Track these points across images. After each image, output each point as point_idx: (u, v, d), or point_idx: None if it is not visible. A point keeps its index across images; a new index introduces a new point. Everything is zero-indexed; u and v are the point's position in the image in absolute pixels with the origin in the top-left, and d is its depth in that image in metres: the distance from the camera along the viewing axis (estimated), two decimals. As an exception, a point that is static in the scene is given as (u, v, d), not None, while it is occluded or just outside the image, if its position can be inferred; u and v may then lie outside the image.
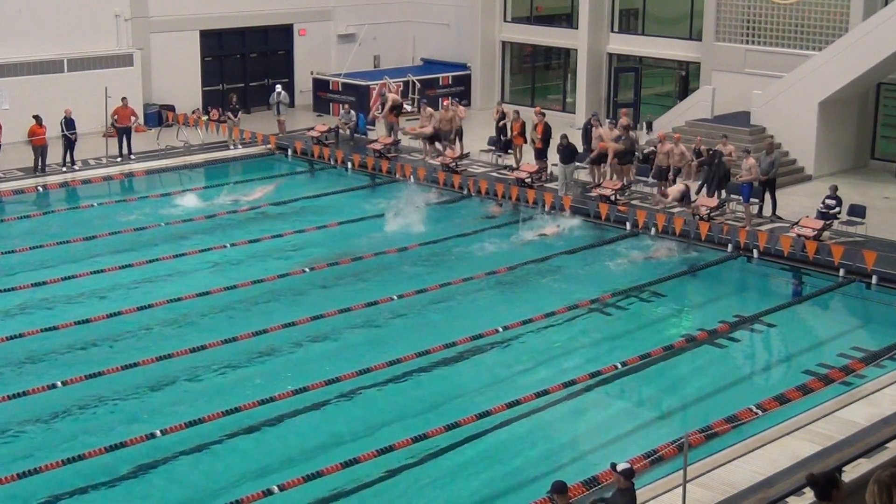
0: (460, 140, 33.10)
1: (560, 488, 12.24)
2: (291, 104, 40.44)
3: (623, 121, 31.02)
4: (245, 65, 40.87)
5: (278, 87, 36.74)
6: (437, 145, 33.24)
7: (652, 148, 30.32)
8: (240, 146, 34.99)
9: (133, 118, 33.31)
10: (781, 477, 14.63)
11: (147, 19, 37.44)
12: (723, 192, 27.52)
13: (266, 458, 16.30)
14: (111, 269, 24.12)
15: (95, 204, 29.59)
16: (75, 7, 35.59)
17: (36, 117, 31.28)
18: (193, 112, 37.41)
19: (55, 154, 31.94)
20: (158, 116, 37.22)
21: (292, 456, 16.32)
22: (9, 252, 25.27)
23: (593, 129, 30.55)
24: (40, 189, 30.77)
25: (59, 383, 18.21)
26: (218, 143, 35.15)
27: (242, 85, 40.35)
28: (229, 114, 35.91)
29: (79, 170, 32.13)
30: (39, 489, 15.22)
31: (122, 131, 33.05)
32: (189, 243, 26.22)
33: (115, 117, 32.92)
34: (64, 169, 32.01)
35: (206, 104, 38.69)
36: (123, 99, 32.95)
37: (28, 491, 15.15)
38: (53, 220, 28.32)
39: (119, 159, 32.85)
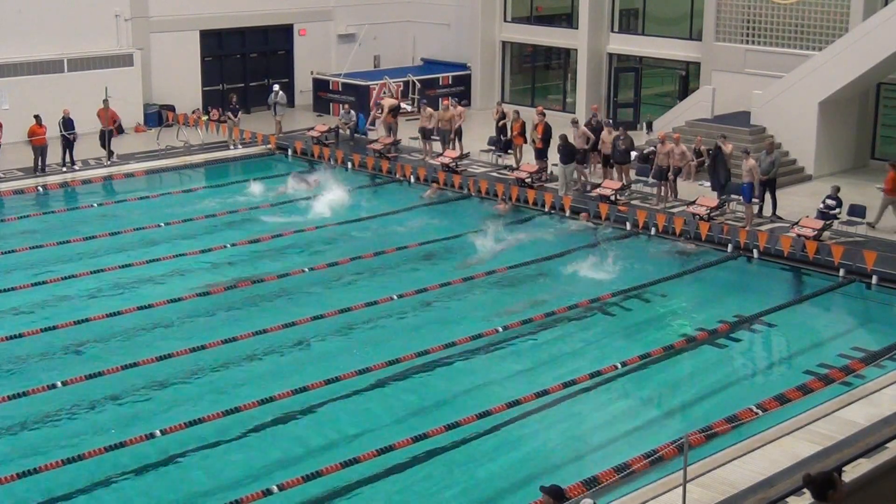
0: (459, 140, 33.10)
1: (556, 493, 11.88)
2: (291, 104, 40.52)
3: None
4: (245, 65, 40.89)
5: (276, 87, 36.71)
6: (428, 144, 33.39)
7: (652, 148, 30.33)
8: (240, 146, 35.00)
9: (115, 120, 33.05)
10: (781, 477, 14.62)
11: (147, 19, 37.45)
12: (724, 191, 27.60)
13: (265, 457, 16.30)
14: (111, 268, 24.13)
15: (95, 204, 29.62)
16: (75, 7, 35.61)
17: (36, 117, 31.28)
18: (193, 112, 37.43)
19: (55, 154, 31.96)
20: (158, 116, 37.21)
21: (292, 456, 16.31)
22: (9, 252, 25.27)
23: (575, 128, 30.56)
24: (40, 189, 30.77)
25: (58, 383, 18.20)
26: (218, 144, 35.16)
27: (242, 85, 40.37)
28: (229, 114, 35.93)
29: (79, 170, 32.14)
30: (39, 489, 15.21)
31: (103, 133, 32.75)
32: (189, 243, 26.21)
33: (99, 118, 32.65)
34: (64, 169, 32.02)
35: (206, 104, 38.71)
36: (105, 101, 32.71)
37: (28, 491, 15.14)
38: (53, 220, 28.31)
39: (108, 162, 32.77)
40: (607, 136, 30.01)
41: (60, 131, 31.99)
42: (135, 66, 36.91)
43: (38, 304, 22.25)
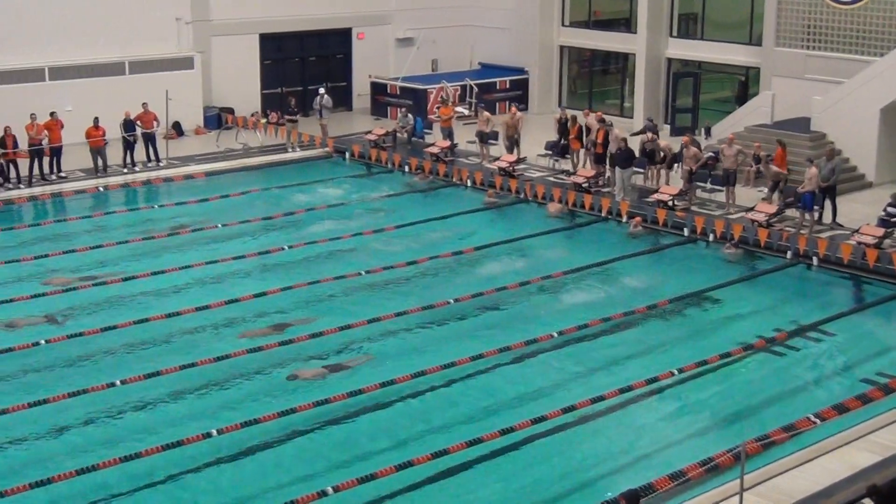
0: (517, 145, 33.08)
1: (632, 497, 11.85)
2: (350, 107, 40.85)
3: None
4: (304, 68, 41.12)
5: (321, 90, 36.82)
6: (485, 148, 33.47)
7: (711, 153, 30.11)
8: (298, 149, 35.19)
9: (156, 123, 33.20)
10: (840, 487, 14.49)
11: (208, 23, 37.79)
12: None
13: (320, 458, 16.37)
14: (171, 269, 24.37)
15: (156, 206, 29.96)
16: (137, 11, 36.00)
17: (94, 119, 31.61)
18: (252, 115, 37.69)
19: (115, 156, 32.33)
20: (218, 119, 37.53)
21: (346, 457, 16.37)
22: (69, 251, 25.60)
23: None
24: (101, 190, 31.16)
25: (117, 382, 18.44)
26: (276, 146, 35.39)
27: (301, 88, 40.56)
28: (288, 116, 36.14)
29: (139, 171, 32.47)
30: (95, 486, 15.40)
31: (146, 137, 32.98)
32: (247, 244, 26.44)
33: (139, 123, 32.96)
34: (125, 170, 32.37)
35: (265, 107, 38.95)
36: (144, 104, 32.90)
37: (84, 488, 15.35)
38: (113, 221, 28.65)
39: (151, 163, 32.99)
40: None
41: (121, 133, 32.37)
42: (195, 69, 37.26)
43: (99, 303, 22.54)
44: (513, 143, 32.92)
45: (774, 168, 28.05)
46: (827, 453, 15.57)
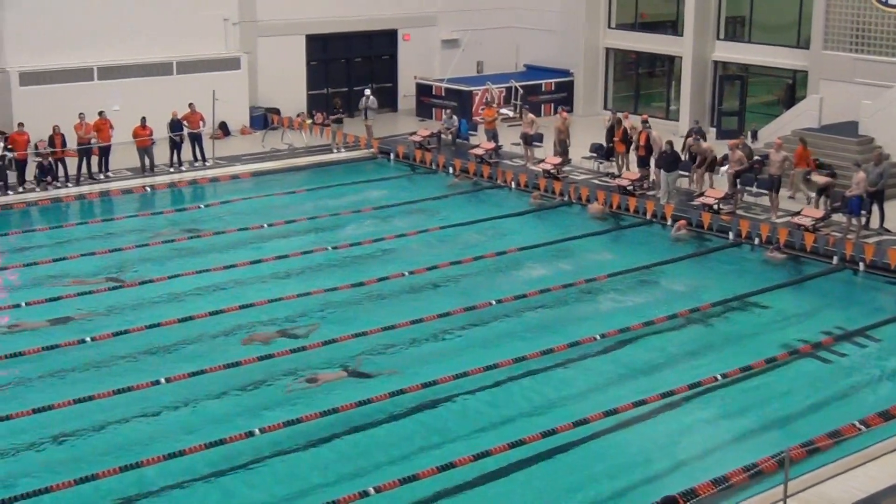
0: (566, 149, 33.00)
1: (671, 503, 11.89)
2: (395, 108, 40.93)
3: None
4: (349, 69, 41.26)
5: (367, 91, 36.95)
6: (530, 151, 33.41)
7: (757, 157, 29.92)
8: (343, 150, 35.32)
9: (202, 123, 33.33)
10: (885, 495, 14.35)
11: (255, 23, 38.03)
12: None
13: (363, 458, 16.40)
14: (216, 268, 24.52)
15: (202, 206, 30.15)
16: (185, 11, 36.29)
17: (142, 119, 31.87)
18: (298, 115, 37.88)
19: (162, 155, 32.58)
20: (264, 119, 37.75)
21: (389, 458, 16.41)
22: (116, 250, 25.82)
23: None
24: (148, 189, 31.41)
25: (162, 380, 18.56)
26: (321, 147, 35.53)
27: (346, 89, 40.74)
28: (333, 117, 36.27)
29: (186, 171, 32.70)
30: (139, 484, 15.54)
31: (193, 137, 33.16)
32: (291, 244, 26.55)
33: (186, 123, 33.16)
34: (171, 170, 32.62)
35: (310, 108, 39.13)
36: (191, 105, 33.10)
37: (127, 485, 15.48)
38: (160, 220, 28.87)
39: (197, 162, 33.18)
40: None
41: (168, 133, 32.62)
42: (242, 70, 37.50)
43: (144, 302, 22.71)
44: (563, 147, 32.83)
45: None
46: (872, 461, 15.43)
